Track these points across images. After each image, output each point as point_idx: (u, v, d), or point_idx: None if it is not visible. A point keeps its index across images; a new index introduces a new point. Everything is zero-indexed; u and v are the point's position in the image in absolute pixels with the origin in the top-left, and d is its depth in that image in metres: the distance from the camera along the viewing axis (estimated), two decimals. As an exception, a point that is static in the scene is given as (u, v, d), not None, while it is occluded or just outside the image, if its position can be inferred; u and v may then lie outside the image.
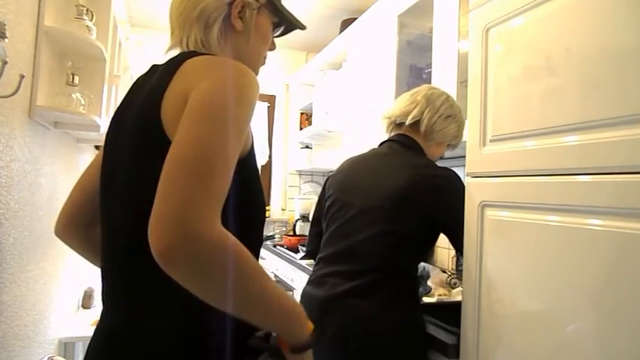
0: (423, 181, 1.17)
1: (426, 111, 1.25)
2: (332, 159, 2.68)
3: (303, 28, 0.89)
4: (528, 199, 0.94)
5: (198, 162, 0.55)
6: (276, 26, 0.86)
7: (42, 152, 1.43)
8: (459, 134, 1.32)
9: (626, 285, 0.74)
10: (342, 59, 2.69)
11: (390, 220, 1.18)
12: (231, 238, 0.56)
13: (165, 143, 0.60)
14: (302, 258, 2.36)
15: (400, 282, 1.18)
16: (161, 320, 0.66)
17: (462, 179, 1.13)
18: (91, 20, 1.53)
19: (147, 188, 0.57)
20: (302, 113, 3.51)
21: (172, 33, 0.79)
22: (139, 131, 0.67)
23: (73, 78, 1.47)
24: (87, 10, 1.51)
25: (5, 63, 0.99)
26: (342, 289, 1.17)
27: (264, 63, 0.86)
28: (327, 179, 1.42)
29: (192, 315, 0.65)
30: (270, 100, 3.57)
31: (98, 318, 0.74)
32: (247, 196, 0.67)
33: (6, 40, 0.98)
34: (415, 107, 1.26)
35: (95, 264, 0.85)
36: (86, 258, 0.88)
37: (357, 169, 1.33)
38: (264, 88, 3.54)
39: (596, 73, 0.82)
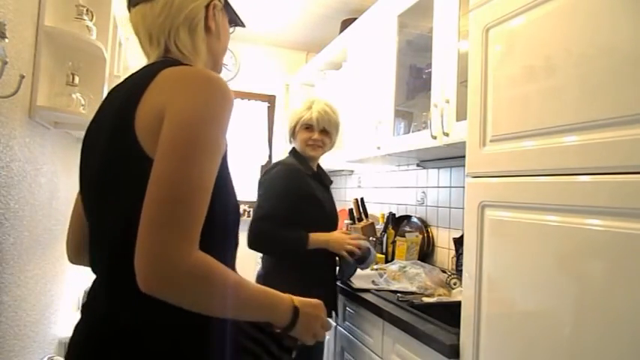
0: None
1: None
2: (332, 159, 2.67)
3: (243, 25, 0.94)
4: (528, 199, 0.94)
5: (175, 202, 0.60)
6: (231, 25, 0.90)
7: (42, 152, 1.43)
8: None
9: (625, 285, 0.74)
10: (342, 59, 2.69)
11: None
12: (204, 265, 0.61)
13: (138, 152, 0.64)
14: None
15: None
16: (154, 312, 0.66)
17: (462, 179, 1.13)
18: (91, 20, 1.53)
19: (124, 194, 0.65)
20: (302, 113, 3.51)
21: (150, 42, 0.78)
22: (113, 141, 0.69)
23: (73, 78, 1.47)
24: (87, 10, 1.51)
25: (5, 63, 0.98)
26: None
27: None
28: None
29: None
30: (270, 100, 3.57)
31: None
32: (219, 199, 0.67)
33: (6, 40, 0.98)
34: None
35: None
36: None
37: None
38: (264, 88, 3.54)
39: (596, 73, 0.82)
